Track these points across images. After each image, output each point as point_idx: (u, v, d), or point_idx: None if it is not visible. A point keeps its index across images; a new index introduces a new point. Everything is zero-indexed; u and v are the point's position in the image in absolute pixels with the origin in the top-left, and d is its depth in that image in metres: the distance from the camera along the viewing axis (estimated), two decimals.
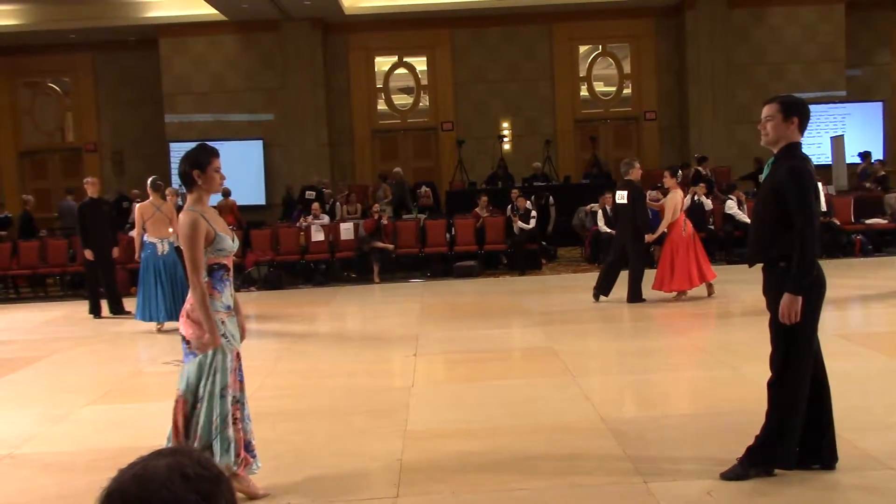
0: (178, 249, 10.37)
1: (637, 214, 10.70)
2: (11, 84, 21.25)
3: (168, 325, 10.15)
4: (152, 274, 10.14)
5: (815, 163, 4.55)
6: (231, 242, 4.50)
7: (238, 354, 4.54)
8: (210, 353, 4.35)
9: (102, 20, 19.05)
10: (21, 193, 19.93)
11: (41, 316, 12.44)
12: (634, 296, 10.65)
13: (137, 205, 10.47)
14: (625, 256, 10.83)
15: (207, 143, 4.70)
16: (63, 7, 18.70)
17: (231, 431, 4.39)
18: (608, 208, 14.43)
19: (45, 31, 19.23)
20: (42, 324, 11.76)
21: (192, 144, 15.43)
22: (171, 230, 10.25)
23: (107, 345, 9.97)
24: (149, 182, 10.52)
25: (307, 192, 17.49)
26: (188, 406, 4.36)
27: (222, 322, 4.40)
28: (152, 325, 10.30)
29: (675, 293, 10.67)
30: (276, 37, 19.70)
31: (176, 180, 18.59)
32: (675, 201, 10.70)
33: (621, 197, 10.86)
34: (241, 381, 4.56)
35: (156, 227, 10.23)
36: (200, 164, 4.44)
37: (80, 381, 7.88)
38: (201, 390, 4.34)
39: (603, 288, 10.80)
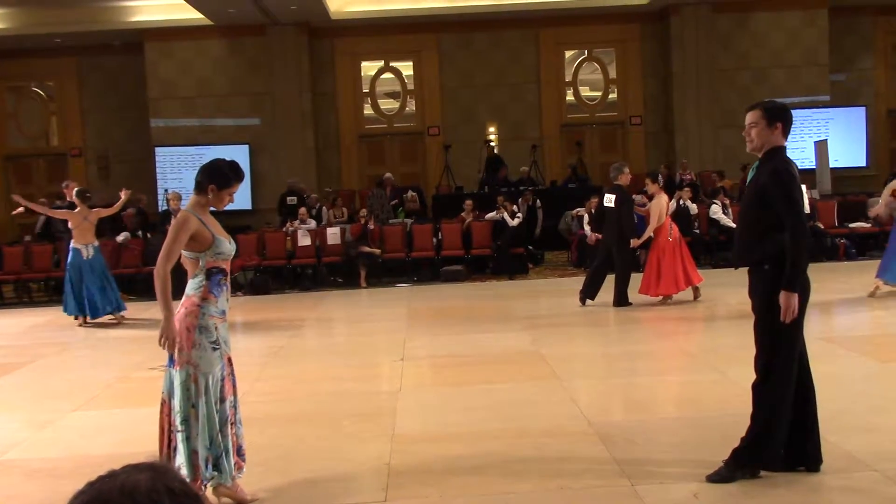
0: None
1: (623, 218, 10.75)
2: None
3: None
4: (78, 276, 11.10)
5: (799, 167, 4.59)
6: (229, 246, 4.52)
7: (230, 359, 4.54)
8: (195, 374, 4.32)
9: (87, 24, 18.96)
10: (6, 198, 19.82)
11: (26, 321, 12.37)
12: (621, 299, 10.69)
13: (70, 213, 11.28)
14: (610, 260, 10.87)
15: (239, 166, 4.60)
16: (48, 11, 18.62)
17: (229, 440, 4.40)
18: (595, 212, 14.50)
19: (30, 35, 19.14)
20: (27, 329, 11.69)
21: (178, 149, 15.47)
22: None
23: (92, 350, 9.93)
24: (74, 192, 11.38)
25: (288, 198, 17.57)
26: (181, 429, 4.33)
27: (215, 327, 4.40)
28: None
29: (660, 297, 10.72)
30: (263, 41, 19.67)
31: (161, 184, 18.73)
32: (661, 206, 10.75)
33: (609, 200, 10.90)
34: (234, 386, 4.57)
35: (82, 234, 11.14)
36: (222, 182, 4.45)
37: (66, 386, 7.84)
38: (191, 412, 4.32)
39: (589, 292, 10.83)
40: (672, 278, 10.54)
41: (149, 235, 15.40)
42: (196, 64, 19.88)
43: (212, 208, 4.56)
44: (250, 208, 19.15)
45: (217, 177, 4.46)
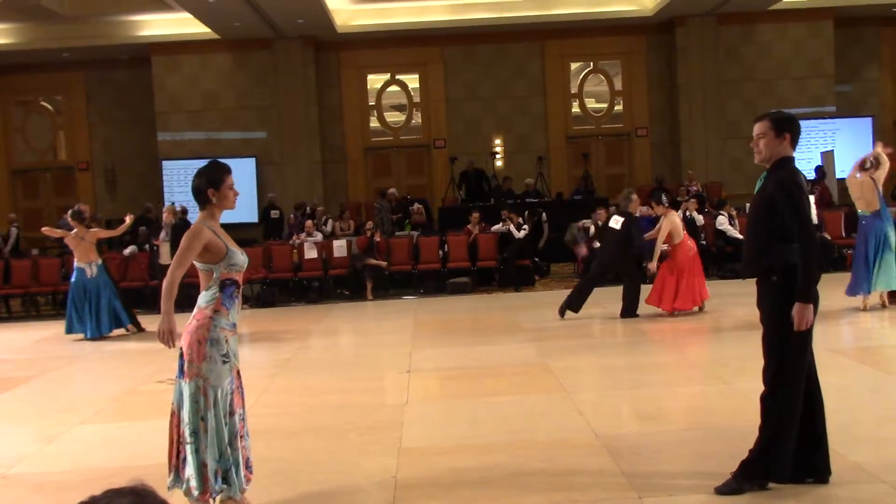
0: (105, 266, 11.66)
1: (636, 242, 10.78)
2: (3, 102, 21.28)
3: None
4: (82, 294, 11.31)
5: (806, 177, 4.58)
6: (242, 257, 4.53)
7: (238, 372, 4.55)
8: (204, 387, 4.32)
9: (95, 39, 19.11)
10: (13, 212, 19.90)
11: (33, 335, 12.41)
12: (629, 311, 10.64)
13: (66, 234, 11.54)
14: (600, 277, 10.89)
15: (219, 160, 4.75)
16: (55, 26, 18.74)
17: (239, 453, 4.40)
18: (601, 224, 14.49)
19: (38, 49, 19.28)
20: (34, 343, 11.72)
21: (185, 162, 15.71)
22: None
23: (100, 363, 9.95)
24: (69, 214, 11.62)
25: (271, 212, 18.15)
26: (190, 441, 4.33)
27: (226, 340, 4.40)
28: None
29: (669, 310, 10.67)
30: (269, 55, 19.77)
31: (168, 198, 18.78)
32: (672, 223, 10.70)
33: (615, 222, 10.88)
34: (243, 398, 4.57)
35: (83, 253, 11.38)
36: (215, 181, 4.49)
37: (74, 399, 7.86)
38: (200, 424, 4.32)
39: (573, 304, 10.70)
40: (690, 295, 10.54)
41: (155, 248, 15.44)
42: (203, 78, 19.98)
43: (224, 214, 4.58)
44: (256, 221, 19.20)
45: (208, 180, 4.50)
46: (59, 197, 20.99)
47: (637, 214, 11.11)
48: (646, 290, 10.83)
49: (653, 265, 10.82)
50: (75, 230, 11.38)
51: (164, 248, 13.21)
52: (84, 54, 19.78)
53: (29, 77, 20.75)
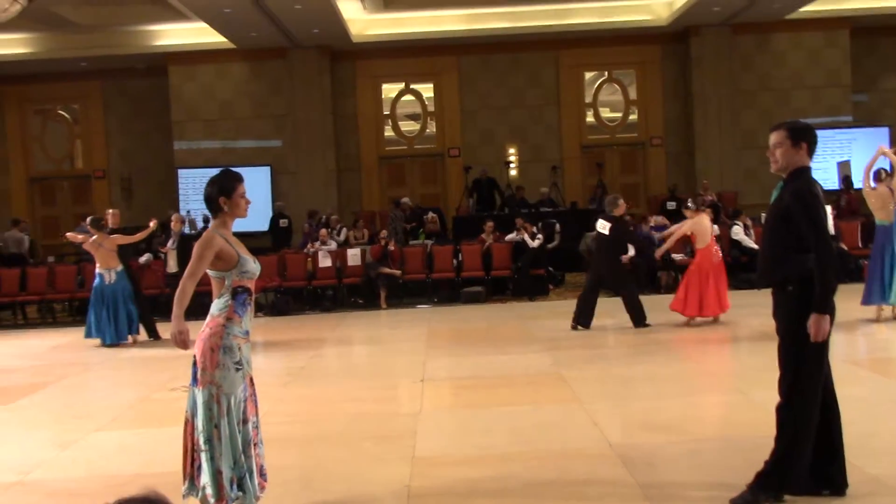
0: (127, 273, 11.84)
1: (632, 243, 10.75)
2: (22, 111, 21.44)
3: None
4: (101, 300, 11.47)
5: (821, 188, 4.55)
6: (254, 265, 4.55)
7: (251, 380, 4.56)
8: (217, 394, 4.33)
9: (112, 48, 19.24)
10: (31, 220, 20.05)
11: (50, 342, 12.47)
12: (639, 320, 10.61)
13: (86, 239, 11.69)
14: (599, 286, 10.89)
15: (231, 169, 4.78)
16: (73, 36, 18.90)
17: (253, 461, 4.40)
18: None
19: (56, 59, 19.43)
20: (50, 350, 11.79)
21: (201, 171, 15.84)
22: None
23: (115, 370, 9.99)
24: (88, 221, 11.86)
25: (280, 220, 18.29)
26: (205, 449, 4.34)
27: (238, 348, 4.41)
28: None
29: (688, 318, 10.62)
30: (284, 64, 19.86)
31: (184, 206, 18.86)
32: (698, 224, 10.67)
33: (603, 227, 10.85)
34: (256, 406, 4.58)
35: (103, 260, 11.55)
36: (227, 190, 4.51)
37: (89, 406, 7.89)
38: (214, 432, 4.33)
39: (582, 319, 10.71)
40: (717, 302, 10.50)
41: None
42: (219, 87, 20.09)
43: (237, 222, 4.60)
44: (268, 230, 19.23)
45: (220, 189, 4.52)
46: (76, 205, 21.15)
47: (651, 224, 11.08)
48: (660, 299, 10.78)
49: (660, 251, 10.86)
50: (94, 237, 11.51)
51: (171, 257, 13.24)
52: (101, 64, 19.92)
53: (47, 86, 20.91)
